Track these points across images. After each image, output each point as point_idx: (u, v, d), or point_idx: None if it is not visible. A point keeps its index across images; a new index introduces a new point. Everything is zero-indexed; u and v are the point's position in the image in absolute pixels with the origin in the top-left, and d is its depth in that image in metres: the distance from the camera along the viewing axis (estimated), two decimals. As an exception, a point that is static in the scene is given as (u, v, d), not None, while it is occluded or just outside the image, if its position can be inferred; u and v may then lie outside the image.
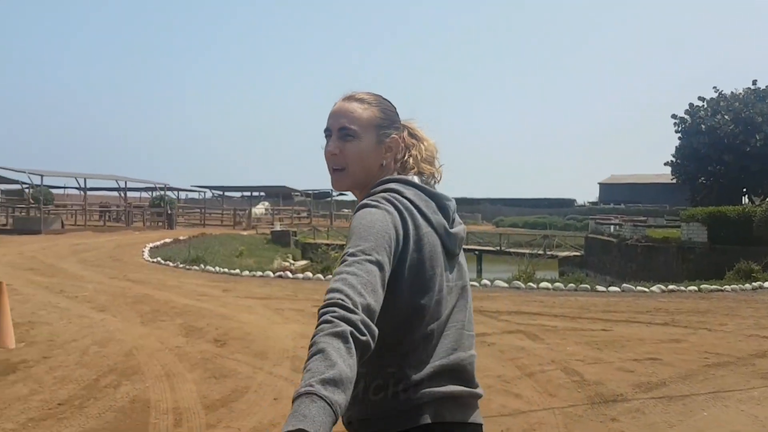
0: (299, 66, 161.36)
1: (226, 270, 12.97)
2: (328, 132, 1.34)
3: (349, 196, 49.06)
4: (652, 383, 4.95)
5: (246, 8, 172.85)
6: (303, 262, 27.54)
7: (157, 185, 32.47)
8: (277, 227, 29.91)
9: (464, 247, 1.39)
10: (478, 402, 1.32)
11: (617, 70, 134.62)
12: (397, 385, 1.21)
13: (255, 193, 44.86)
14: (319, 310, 0.99)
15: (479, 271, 26.39)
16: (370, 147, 1.31)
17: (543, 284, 11.00)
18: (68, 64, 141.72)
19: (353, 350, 0.93)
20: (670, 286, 10.72)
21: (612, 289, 10.81)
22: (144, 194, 47.16)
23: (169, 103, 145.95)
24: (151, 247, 18.51)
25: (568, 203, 67.54)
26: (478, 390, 1.31)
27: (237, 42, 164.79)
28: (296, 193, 44.19)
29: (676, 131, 33.61)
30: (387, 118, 1.34)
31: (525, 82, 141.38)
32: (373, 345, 0.99)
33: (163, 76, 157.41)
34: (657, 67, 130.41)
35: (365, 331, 0.97)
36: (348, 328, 0.94)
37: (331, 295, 1.00)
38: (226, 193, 46.79)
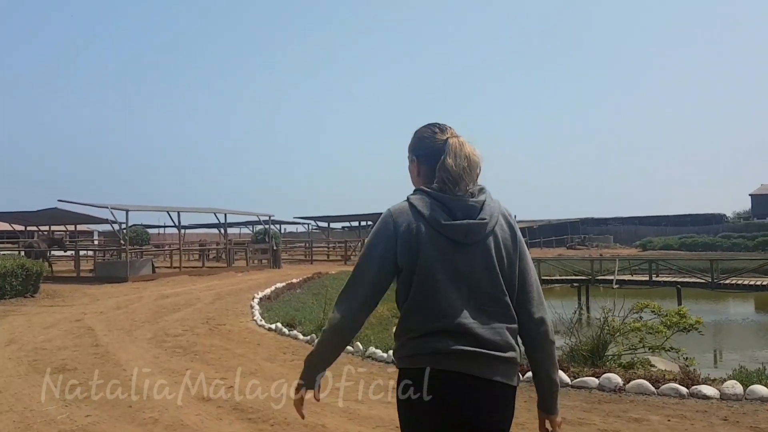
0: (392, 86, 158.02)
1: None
2: None
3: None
4: None
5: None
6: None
7: (261, 217, 27.67)
8: (404, 261, 24.02)
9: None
10: (501, 364, 1.60)
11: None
12: (402, 337, 1.67)
13: (363, 222, 39.39)
14: None
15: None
16: (409, 166, 1.92)
17: None
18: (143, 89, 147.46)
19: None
20: None
21: None
22: (244, 229, 43.32)
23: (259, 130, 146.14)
24: (260, 299, 13.25)
25: (717, 219, 57.39)
26: (494, 352, 1.59)
27: (343, 69, 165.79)
28: (410, 220, 38.38)
29: None
30: (411, 145, 1.88)
31: (630, 85, 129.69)
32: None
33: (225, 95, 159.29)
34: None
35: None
36: None
37: None
38: (331, 224, 42.06)
